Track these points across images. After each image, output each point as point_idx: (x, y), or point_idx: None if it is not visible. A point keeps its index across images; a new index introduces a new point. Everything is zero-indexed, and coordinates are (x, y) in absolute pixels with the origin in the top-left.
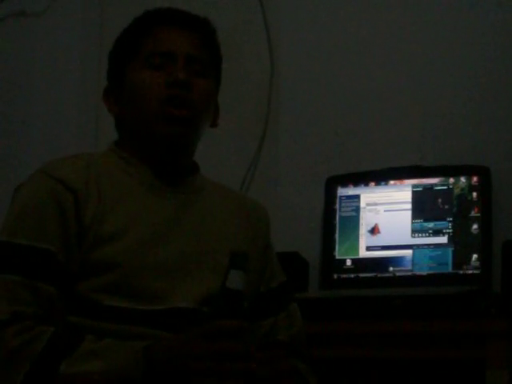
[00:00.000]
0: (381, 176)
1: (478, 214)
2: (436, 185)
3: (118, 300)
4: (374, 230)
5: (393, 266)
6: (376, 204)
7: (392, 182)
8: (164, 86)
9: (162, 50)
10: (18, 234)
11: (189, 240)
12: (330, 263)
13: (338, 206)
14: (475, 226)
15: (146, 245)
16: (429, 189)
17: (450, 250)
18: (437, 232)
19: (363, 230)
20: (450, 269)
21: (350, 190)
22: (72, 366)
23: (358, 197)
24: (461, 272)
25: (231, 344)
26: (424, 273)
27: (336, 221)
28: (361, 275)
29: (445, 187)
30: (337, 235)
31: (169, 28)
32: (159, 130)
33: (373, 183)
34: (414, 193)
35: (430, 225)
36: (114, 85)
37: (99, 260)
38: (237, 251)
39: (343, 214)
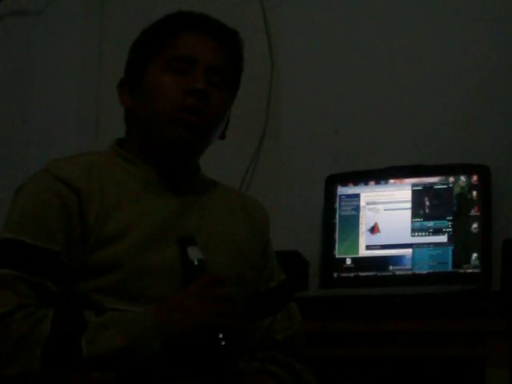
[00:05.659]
0: (381, 175)
1: (478, 213)
2: (436, 184)
3: (118, 302)
4: (373, 229)
5: (393, 265)
6: (376, 203)
7: (392, 180)
8: (182, 94)
9: (184, 54)
10: (22, 232)
11: None
12: (330, 262)
13: (337, 204)
14: (475, 225)
15: (148, 245)
16: (429, 188)
17: (449, 249)
18: (437, 231)
19: (363, 228)
20: (449, 268)
21: (350, 189)
22: (92, 338)
23: (357, 196)
24: (461, 271)
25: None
26: (424, 272)
27: (336, 220)
28: (361, 274)
29: (445, 186)
30: (337, 234)
31: (197, 34)
32: (167, 133)
33: (373, 182)
34: (414, 192)
35: (430, 224)
36: (132, 78)
37: (101, 261)
38: (183, 236)
39: (343, 213)
